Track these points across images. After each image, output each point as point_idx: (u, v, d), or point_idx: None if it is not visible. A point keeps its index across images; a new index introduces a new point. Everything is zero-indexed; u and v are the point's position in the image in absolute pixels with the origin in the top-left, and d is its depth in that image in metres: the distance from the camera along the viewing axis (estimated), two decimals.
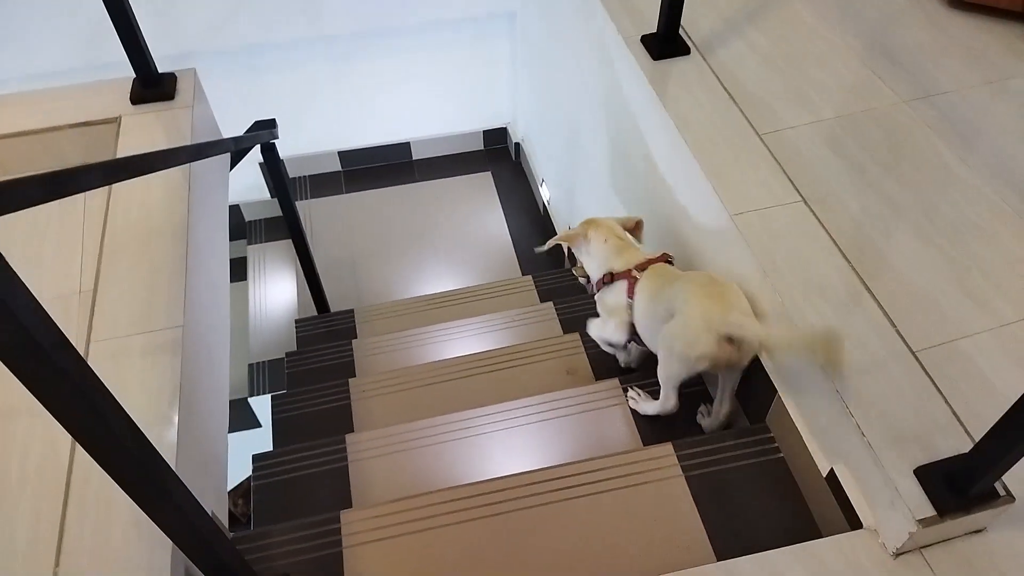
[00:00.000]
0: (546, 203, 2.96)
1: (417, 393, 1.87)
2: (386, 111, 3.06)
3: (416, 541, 1.25)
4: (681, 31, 1.74)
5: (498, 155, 3.34)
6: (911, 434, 1.05)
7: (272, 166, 2.03)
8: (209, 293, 1.48)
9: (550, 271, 2.57)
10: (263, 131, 1.89)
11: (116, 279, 1.33)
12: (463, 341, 2.18)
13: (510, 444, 1.59)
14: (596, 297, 1.64)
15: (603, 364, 1.90)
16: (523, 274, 2.81)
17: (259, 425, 2.86)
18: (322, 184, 3.22)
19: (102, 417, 0.68)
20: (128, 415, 0.70)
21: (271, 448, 1.80)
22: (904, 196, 1.39)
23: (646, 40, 1.73)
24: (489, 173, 3.25)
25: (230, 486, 1.77)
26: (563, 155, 2.58)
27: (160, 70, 1.70)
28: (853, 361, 1.14)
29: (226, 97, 2.80)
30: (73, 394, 0.63)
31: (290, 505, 1.50)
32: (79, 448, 1.11)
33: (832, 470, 1.16)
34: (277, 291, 3.06)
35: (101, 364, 1.20)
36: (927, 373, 1.13)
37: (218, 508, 1.25)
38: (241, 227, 3.33)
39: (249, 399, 2.77)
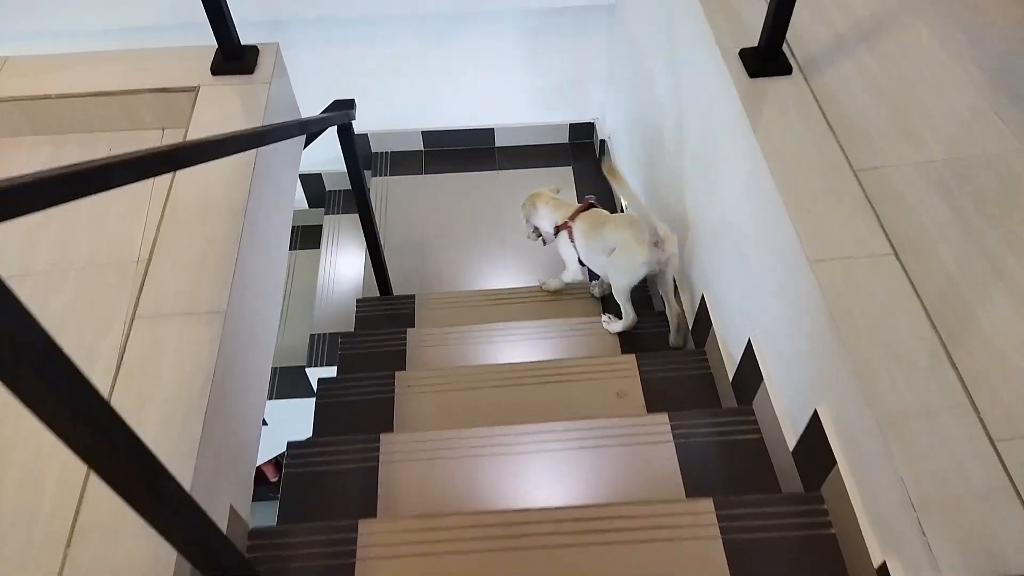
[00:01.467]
0: (624, 207, 2.85)
1: (462, 396, 1.83)
2: (474, 94, 3.00)
3: (432, 565, 1.21)
4: (785, 46, 1.60)
5: (582, 150, 3.24)
6: (979, 542, 0.93)
7: (347, 147, 2.01)
8: (261, 277, 1.47)
9: None
10: (339, 112, 1.87)
11: (170, 253, 1.33)
12: (517, 344, 2.13)
13: (548, 468, 1.53)
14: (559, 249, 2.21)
15: (655, 391, 1.81)
16: (590, 279, 2.72)
17: (313, 395, 2.90)
18: (402, 162, 3.21)
19: (99, 428, 0.65)
20: (122, 424, 0.67)
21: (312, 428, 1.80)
22: (1010, 257, 1.23)
23: (744, 54, 1.60)
24: (571, 169, 3.16)
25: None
26: (644, 158, 2.47)
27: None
28: (921, 443, 1.02)
29: (311, 66, 2.82)
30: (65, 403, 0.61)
31: (317, 498, 1.49)
32: None
33: (885, 563, 1.05)
34: (346, 265, 3.08)
35: (139, 341, 1.21)
36: (1006, 470, 1.00)
37: (240, 499, 1.25)
38: (321, 196, 3.37)
39: (307, 369, 2.81)
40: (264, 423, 3.11)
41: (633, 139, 2.65)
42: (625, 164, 2.85)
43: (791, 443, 1.41)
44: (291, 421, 3.10)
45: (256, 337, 1.41)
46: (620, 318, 2.09)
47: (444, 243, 2.93)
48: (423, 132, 3.16)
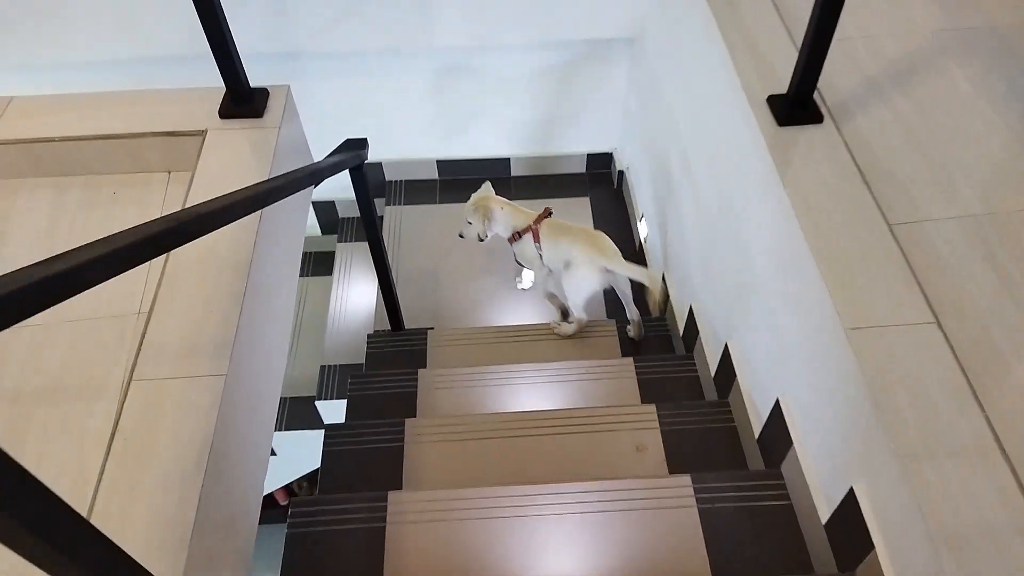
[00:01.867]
0: (642, 240, 2.78)
1: (474, 446, 1.76)
2: (490, 124, 2.95)
3: None
4: (815, 93, 1.53)
5: (599, 181, 3.18)
6: None
7: (359, 188, 1.96)
8: (265, 333, 1.41)
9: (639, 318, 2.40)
10: (350, 154, 1.81)
11: (171, 309, 1.28)
12: (533, 388, 2.06)
13: (563, 532, 1.45)
14: (515, 252, 2.39)
15: (676, 445, 1.74)
16: (608, 316, 2.65)
17: (322, 428, 2.84)
18: (417, 191, 3.16)
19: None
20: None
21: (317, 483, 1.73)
22: None
23: (773, 101, 1.53)
24: (588, 199, 3.10)
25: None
26: (665, 197, 2.40)
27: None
28: (965, 527, 0.94)
29: (326, 94, 2.79)
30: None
31: (320, 563, 1.43)
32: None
33: None
34: (359, 294, 3.03)
35: (137, 406, 1.15)
36: None
37: (237, 570, 1.18)
38: (334, 223, 3.33)
39: (316, 402, 2.75)
40: (273, 453, 3.06)
41: (651, 172, 2.58)
42: (642, 196, 2.78)
43: (824, 516, 1.33)
44: (300, 451, 3.05)
45: (259, 397, 1.35)
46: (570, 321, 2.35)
47: (458, 275, 2.87)
48: (438, 161, 3.11)
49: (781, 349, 1.51)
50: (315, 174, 1.50)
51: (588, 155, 3.12)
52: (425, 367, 2.34)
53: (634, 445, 1.75)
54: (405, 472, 1.71)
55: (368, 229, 2.10)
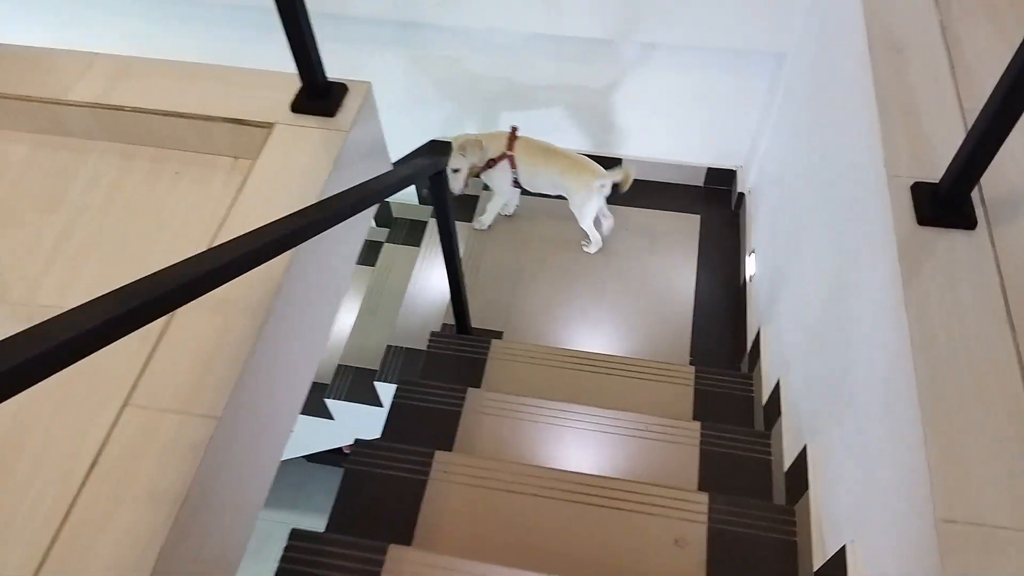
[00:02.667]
0: (748, 278, 2.51)
1: (499, 498, 1.64)
2: (605, 120, 2.72)
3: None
4: (975, 191, 1.24)
5: (716, 198, 2.89)
6: None
7: (438, 196, 1.82)
8: (279, 381, 1.32)
9: (722, 371, 2.17)
10: (427, 161, 1.68)
11: (178, 339, 1.21)
12: (584, 435, 1.90)
13: None
14: (485, 179, 2.60)
15: (723, 550, 1.54)
16: (690, 360, 2.43)
17: (379, 405, 2.82)
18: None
19: None
20: None
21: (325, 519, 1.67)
22: None
23: (919, 190, 1.25)
24: (699, 218, 2.83)
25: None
26: (782, 242, 2.12)
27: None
28: None
29: (432, 72, 2.65)
30: None
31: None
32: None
33: None
34: (440, 276, 2.94)
35: (124, 434, 1.09)
36: None
37: None
38: (387, 218, 3.25)
39: (376, 383, 2.71)
40: (331, 417, 3.07)
41: (774, 207, 2.30)
42: (758, 229, 2.49)
43: None
44: (356, 421, 3.06)
45: (260, 443, 1.27)
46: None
47: (540, 279, 2.71)
48: None
49: (863, 487, 1.27)
50: (375, 194, 1.38)
51: (708, 169, 2.84)
52: (482, 379, 2.22)
53: (674, 537, 1.57)
54: (422, 515, 1.61)
55: (444, 240, 1.98)
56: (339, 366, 2.98)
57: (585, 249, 2.70)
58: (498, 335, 2.57)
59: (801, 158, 2.00)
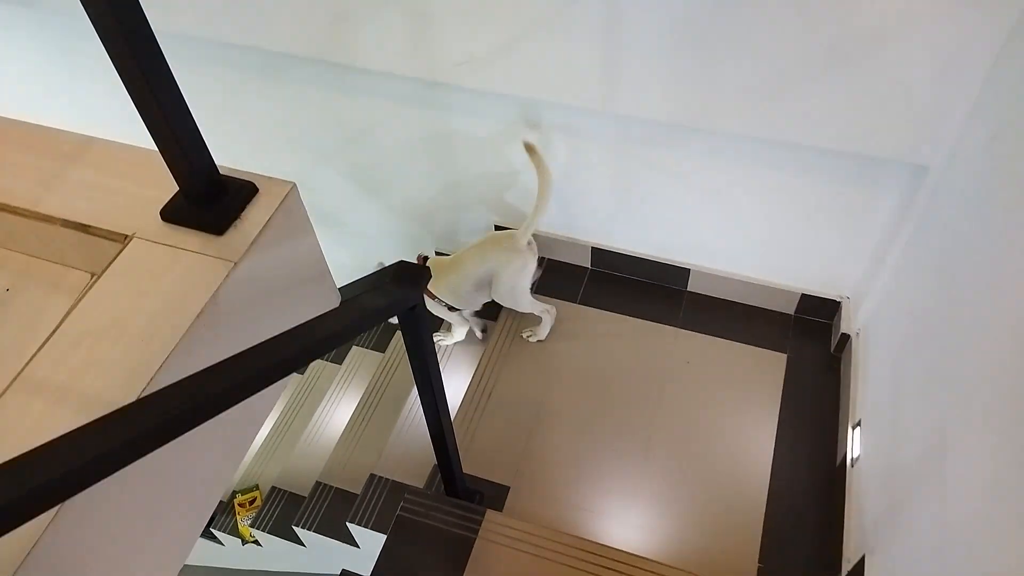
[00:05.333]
0: (851, 459, 1.85)
1: None
2: (674, 218, 2.14)
3: None
4: None
5: (810, 334, 2.24)
6: None
7: (413, 336, 1.27)
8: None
9: None
10: (395, 295, 1.12)
11: None
12: None
13: None
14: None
15: None
16: (759, 570, 1.77)
17: (351, 544, 2.25)
18: (556, 277, 2.42)
19: None
20: None
21: None
22: None
23: None
24: (785, 358, 2.18)
25: None
26: (913, 420, 1.47)
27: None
28: None
29: (470, 137, 2.14)
30: None
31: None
32: None
33: None
34: (394, 399, 2.40)
35: None
36: None
37: None
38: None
39: (348, 524, 2.15)
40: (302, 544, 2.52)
41: (898, 362, 1.65)
42: (871, 390, 1.84)
43: None
44: (332, 557, 2.51)
45: None
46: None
47: (566, 421, 2.11)
48: (594, 248, 2.34)
49: None
50: (279, 365, 0.83)
51: (803, 296, 2.20)
52: (465, 567, 1.63)
53: None
54: None
55: (425, 392, 1.42)
56: (317, 483, 2.44)
57: (531, 339, 2.26)
58: (502, 491, 1.97)
59: (960, 306, 1.36)
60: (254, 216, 1.00)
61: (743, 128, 1.74)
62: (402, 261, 1.23)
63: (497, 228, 2.41)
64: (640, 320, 2.30)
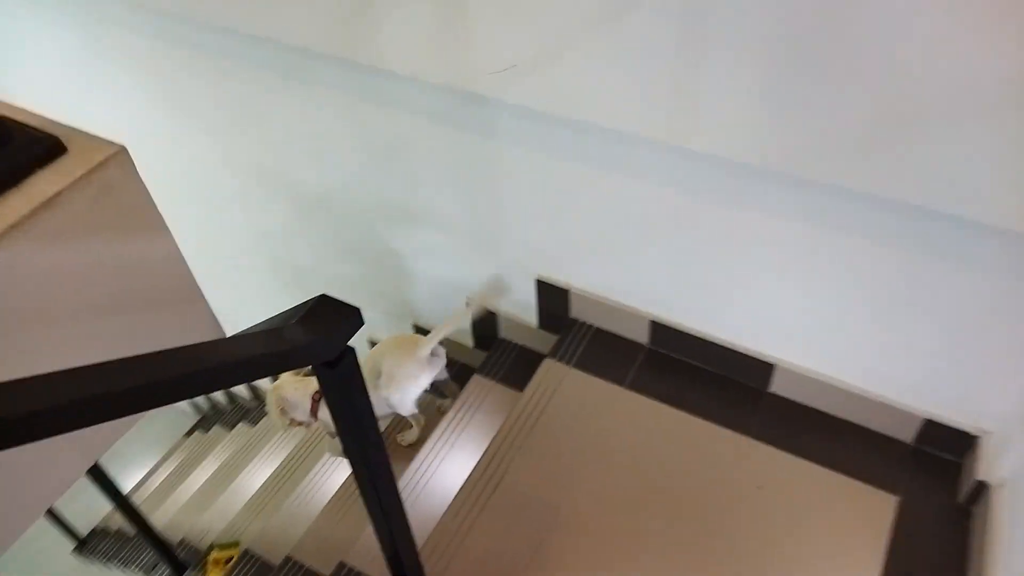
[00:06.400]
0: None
1: None
2: (760, 295, 1.67)
3: None
4: None
5: (931, 474, 1.69)
6: None
7: (337, 394, 0.90)
8: None
9: None
10: (313, 338, 0.76)
11: None
12: None
13: None
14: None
15: None
16: None
17: None
18: (605, 352, 1.98)
19: None
20: None
21: None
22: None
23: None
24: (895, 500, 1.64)
25: None
26: None
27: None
28: None
29: (517, 167, 1.78)
30: None
31: None
32: None
33: None
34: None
35: None
36: None
37: None
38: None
39: None
40: None
41: None
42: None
43: None
44: None
45: None
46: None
47: (591, 527, 1.65)
48: (653, 322, 1.90)
49: None
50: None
51: (926, 421, 1.66)
52: None
53: None
54: None
55: (360, 473, 1.03)
56: (287, 558, 2.06)
57: (402, 441, 2.19)
58: None
59: None
60: (44, 183, 0.65)
61: (860, 183, 1.28)
62: (323, 297, 0.85)
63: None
64: (702, 421, 1.81)
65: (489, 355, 2.23)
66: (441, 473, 1.92)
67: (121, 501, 2.26)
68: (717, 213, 1.55)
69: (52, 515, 3.06)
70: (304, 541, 2.04)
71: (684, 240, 1.66)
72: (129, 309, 0.78)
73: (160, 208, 0.89)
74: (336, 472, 2.40)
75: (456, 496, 1.74)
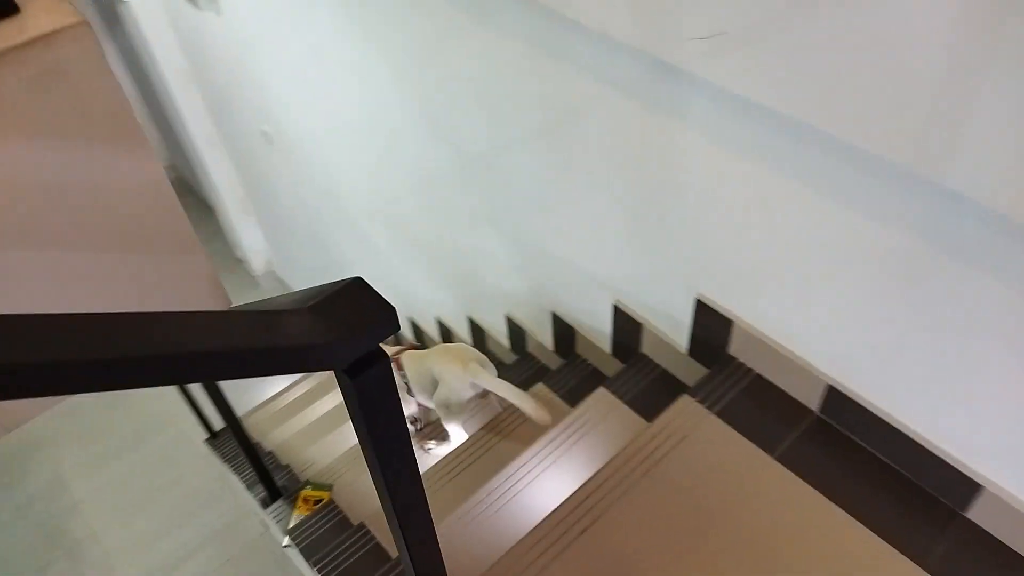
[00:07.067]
0: None
1: None
2: (982, 390, 1.25)
3: None
4: None
5: None
6: None
7: (364, 401, 0.69)
8: None
9: None
10: (336, 335, 0.56)
11: None
12: None
13: None
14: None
15: None
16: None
17: None
18: (758, 404, 1.62)
19: None
20: None
21: None
22: None
23: None
24: None
25: None
26: None
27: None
28: None
29: (699, 158, 1.47)
30: None
31: None
32: None
33: None
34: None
35: None
36: None
37: None
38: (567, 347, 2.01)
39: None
40: None
41: None
42: None
43: None
44: None
45: None
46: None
47: None
48: (831, 386, 1.52)
49: None
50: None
51: None
52: None
53: None
54: None
55: (378, 485, 0.82)
56: (361, 524, 1.95)
57: (427, 448, 2.23)
58: None
59: None
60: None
61: None
62: (358, 278, 0.64)
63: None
64: (865, 529, 1.42)
65: (624, 370, 1.94)
66: (531, 491, 1.69)
67: (232, 421, 2.25)
68: (953, 273, 1.15)
69: (193, 404, 3.20)
70: (380, 514, 1.91)
71: (908, 299, 1.26)
72: (100, 240, 0.61)
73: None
74: (434, 449, 2.25)
75: (538, 526, 1.50)
